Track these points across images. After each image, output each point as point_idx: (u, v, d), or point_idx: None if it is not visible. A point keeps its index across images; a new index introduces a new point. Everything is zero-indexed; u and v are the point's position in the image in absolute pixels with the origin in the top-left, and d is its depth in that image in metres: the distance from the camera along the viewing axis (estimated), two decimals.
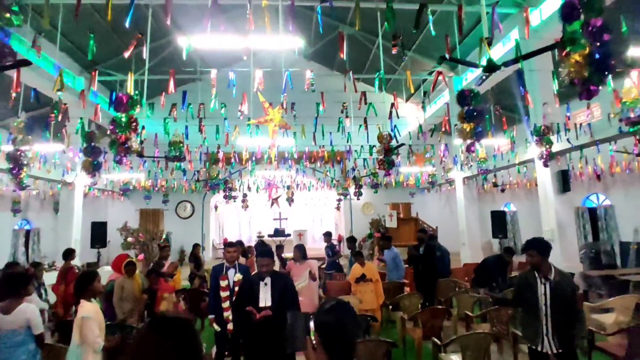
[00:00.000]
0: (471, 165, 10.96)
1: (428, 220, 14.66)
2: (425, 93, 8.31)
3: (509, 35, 8.70)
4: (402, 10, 7.64)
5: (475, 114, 4.76)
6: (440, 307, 5.40)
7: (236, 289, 4.16)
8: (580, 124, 7.54)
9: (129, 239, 12.91)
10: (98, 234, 11.35)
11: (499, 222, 11.02)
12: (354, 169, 13.86)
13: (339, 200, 16.48)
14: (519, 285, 3.38)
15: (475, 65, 3.85)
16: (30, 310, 3.32)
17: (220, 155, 11.44)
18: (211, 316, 4.33)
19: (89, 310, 3.29)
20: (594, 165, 9.35)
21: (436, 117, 12.35)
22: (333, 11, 6.23)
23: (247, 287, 3.53)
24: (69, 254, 6.10)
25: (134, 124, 4.08)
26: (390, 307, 5.99)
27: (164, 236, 13.22)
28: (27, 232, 12.43)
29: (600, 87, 2.44)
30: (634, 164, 8.65)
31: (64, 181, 10.43)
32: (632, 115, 5.19)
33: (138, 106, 4.19)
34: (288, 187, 15.07)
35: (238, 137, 9.05)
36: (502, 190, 13.17)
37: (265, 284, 3.41)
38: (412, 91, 9.01)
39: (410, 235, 12.79)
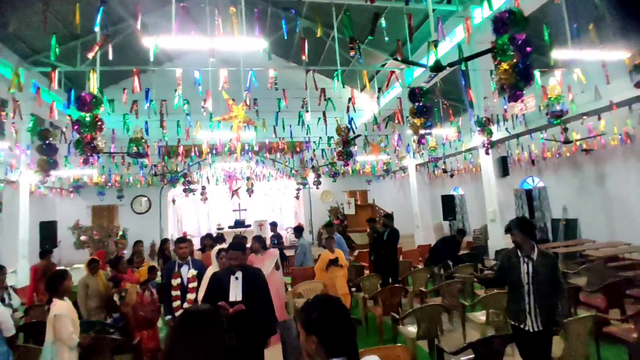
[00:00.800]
0: (423, 153, 11.68)
1: (384, 205, 15.37)
2: (379, 89, 8.74)
3: (455, 31, 9.35)
4: (357, 5, 7.96)
5: (425, 109, 5.24)
6: (397, 285, 5.88)
7: (190, 285, 4.14)
8: (516, 115, 8.36)
9: (82, 238, 12.42)
10: (47, 233, 10.80)
11: (449, 205, 11.83)
12: (312, 159, 14.15)
13: (298, 189, 16.74)
14: (502, 264, 3.35)
15: (424, 66, 4.26)
16: (1, 313, 3.32)
17: (180, 149, 11.26)
18: (168, 317, 4.15)
19: (62, 308, 3.34)
20: (529, 151, 10.39)
21: (389, 109, 12.93)
22: (293, 9, 6.37)
23: (217, 282, 3.36)
24: (46, 252, 6.15)
25: (99, 123, 4.05)
26: (353, 288, 6.41)
27: (120, 233, 12.84)
28: None
29: (524, 92, 2.90)
30: (562, 149, 9.73)
31: (8, 180, 9.78)
32: (557, 108, 5.94)
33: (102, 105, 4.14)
34: (248, 179, 15.09)
35: (199, 131, 9.00)
36: (451, 176, 14.14)
37: (237, 278, 3.29)
38: (368, 87, 9.43)
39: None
